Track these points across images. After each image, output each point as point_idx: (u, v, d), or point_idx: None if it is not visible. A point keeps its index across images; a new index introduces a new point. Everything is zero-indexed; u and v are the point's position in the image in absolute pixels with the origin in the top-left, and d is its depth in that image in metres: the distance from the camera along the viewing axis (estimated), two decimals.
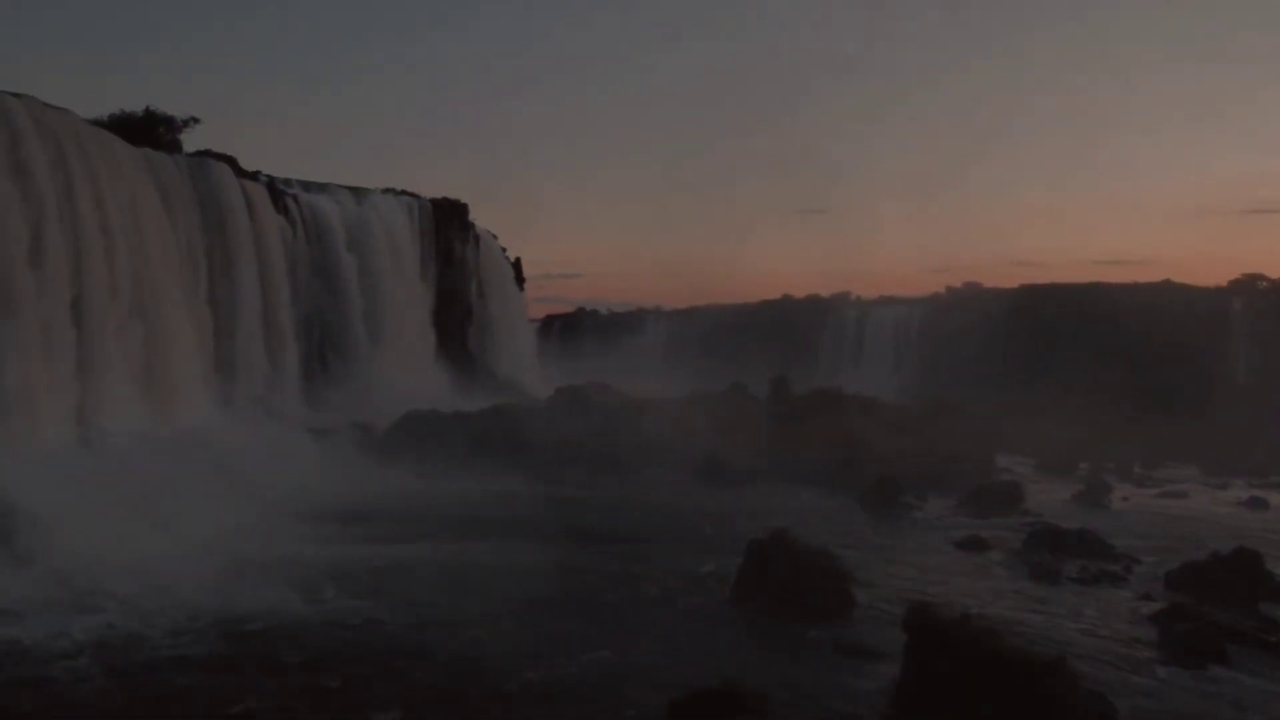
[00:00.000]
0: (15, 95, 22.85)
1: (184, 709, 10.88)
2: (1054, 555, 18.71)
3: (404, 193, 45.70)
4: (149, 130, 34.50)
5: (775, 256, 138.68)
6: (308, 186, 39.99)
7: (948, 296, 68.65)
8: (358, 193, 42.33)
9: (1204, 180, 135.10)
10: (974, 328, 59.06)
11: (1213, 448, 35.25)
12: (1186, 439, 36.87)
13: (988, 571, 18.20)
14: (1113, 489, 27.84)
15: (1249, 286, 58.37)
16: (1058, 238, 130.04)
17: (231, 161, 34.36)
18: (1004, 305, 61.44)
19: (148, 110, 36.01)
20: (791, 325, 68.62)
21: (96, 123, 29.61)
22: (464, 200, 48.89)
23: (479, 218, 50.58)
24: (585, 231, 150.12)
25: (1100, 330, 53.95)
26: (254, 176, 35.73)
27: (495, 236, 53.22)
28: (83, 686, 11.38)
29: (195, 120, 37.33)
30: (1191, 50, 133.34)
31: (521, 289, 56.53)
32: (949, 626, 10.58)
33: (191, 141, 36.58)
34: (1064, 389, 46.47)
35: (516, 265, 55.84)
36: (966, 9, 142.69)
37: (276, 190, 36.85)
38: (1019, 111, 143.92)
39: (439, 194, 47.50)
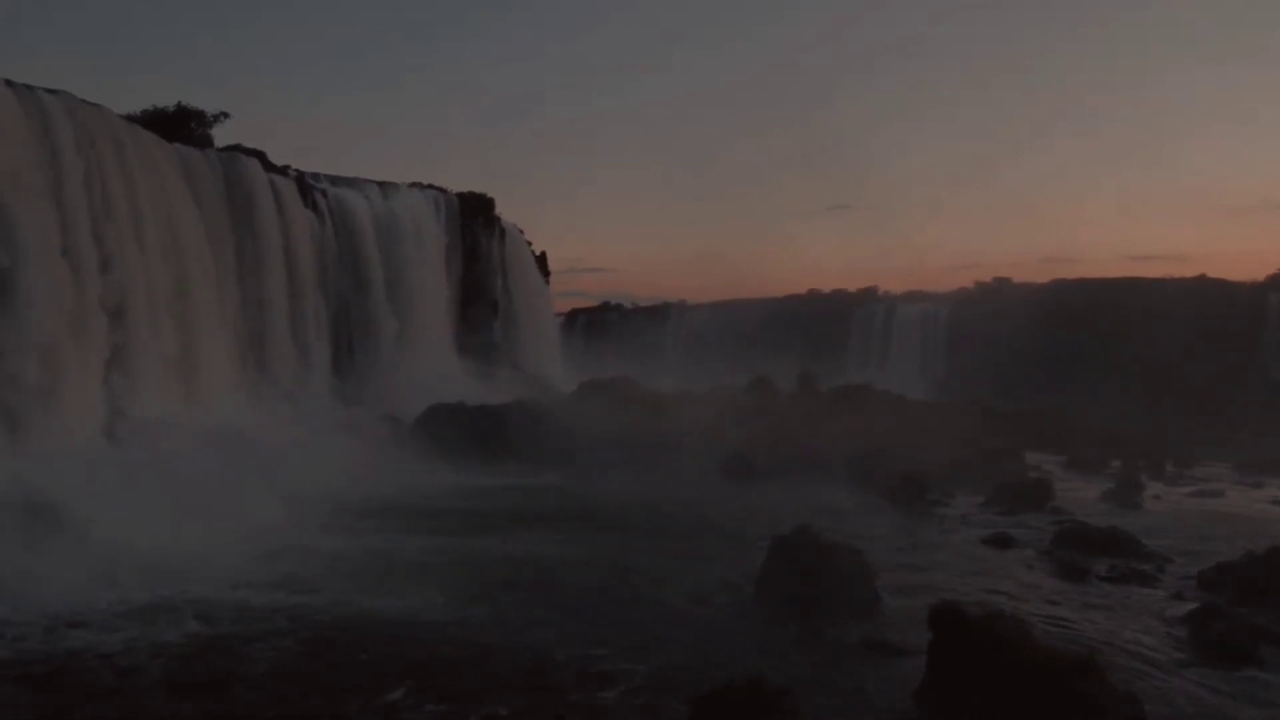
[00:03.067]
0: (51, 91, 23.26)
1: (248, 710, 10.72)
2: (1083, 554, 18.45)
3: (431, 187, 45.98)
4: (180, 125, 34.99)
5: (802, 252, 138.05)
6: (336, 181, 40.32)
7: (976, 292, 67.91)
8: (385, 187, 42.63)
9: (1240, 175, 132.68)
10: (1004, 324, 58.37)
11: (1248, 445, 34.60)
12: (1221, 436, 36.24)
13: (1015, 569, 17.99)
14: (1144, 487, 27.41)
15: None
16: (1090, 233, 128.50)
17: (261, 156, 34.75)
18: (1035, 301, 60.68)
19: (179, 105, 36.53)
20: (817, 321, 68.30)
21: (130, 118, 30.06)
22: (490, 195, 49.21)
23: (505, 212, 50.86)
24: (611, 226, 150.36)
25: (1133, 326, 53.15)
26: (283, 171, 36.10)
27: (521, 231, 53.44)
28: (138, 685, 11.23)
29: (225, 115, 37.82)
30: (1227, 46, 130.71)
31: (547, 283, 56.69)
32: (976, 624, 10.46)
33: (222, 136, 37.07)
34: (1096, 385, 45.89)
35: (542, 259, 56.00)
36: (997, 3, 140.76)
37: (305, 184, 37.21)
38: (1050, 106, 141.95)
39: (465, 188, 47.84)
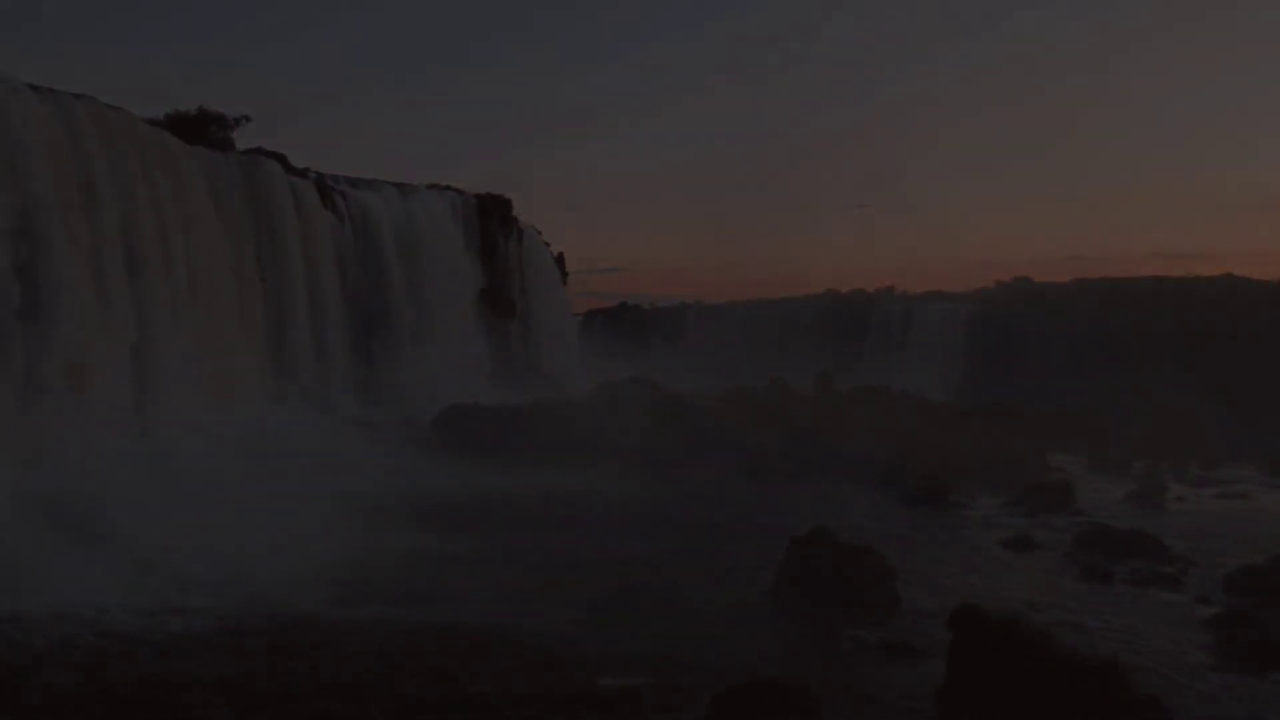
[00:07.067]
0: (76, 96, 23.55)
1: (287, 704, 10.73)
2: (1106, 556, 18.27)
3: (449, 188, 46.18)
4: (202, 128, 35.23)
5: (820, 252, 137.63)
6: (355, 183, 40.54)
7: (997, 291, 67.29)
8: (403, 189, 42.83)
9: (1265, 173, 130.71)
10: (1025, 323, 57.85)
11: (1274, 447, 34.08)
12: (1246, 438, 35.72)
13: (1037, 572, 17.85)
14: (1168, 489, 27.07)
15: None
16: (1114, 231, 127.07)
17: (282, 159, 35.03)
18: (1057, 300, 60.08)
19: (201, 109, 36.80)
20: (835, 321, 67.95)
21: (153, 122, 30.37)
22: (507, 196, 49.35)
23: (522, 213, 50.99)
24: (628, 226, 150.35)
25: (1157, 326, 52.46)
26: (303, 173, 36.36)
27: (539, 231, 53.56)
28: (182, 684, 11.02)
29: (247, 119, 38.07)
30: (1252, 41, 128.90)
31: (564, 283, 56.78)
32: (996, 626, 10.38)
33: (243, 140, 37.35)
34: (1118, 386, 45.36)
35: (559, 260, 56.09)
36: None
37: (325, 187, 37.44)
38: (1072, 103, 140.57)
39: (483, 190, 48.00)
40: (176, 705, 10.61)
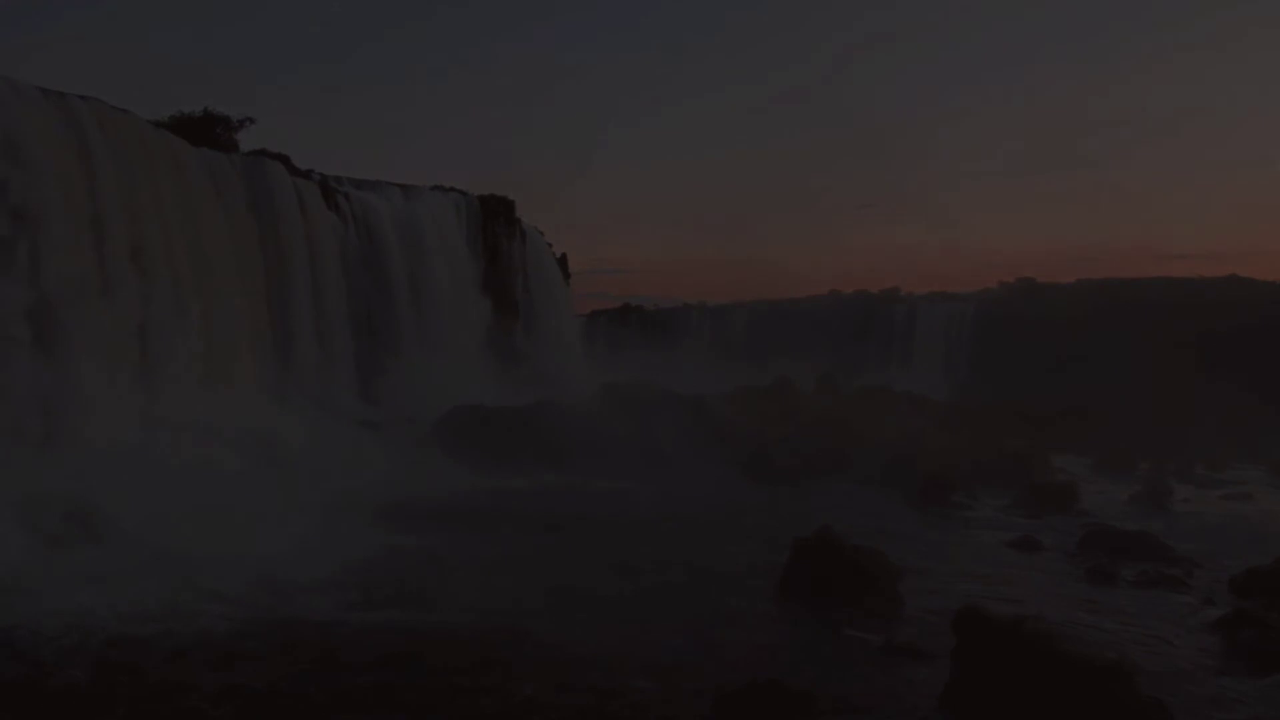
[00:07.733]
0: (82, 98, 23.67)
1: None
2: (1110, 557, 18.23)
3: (452, 189, 46.25)
4: (207, 130, 35.34)
5: (825, 252, 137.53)
6: (359, 184, 40.63)
7: (1001, 292, 67.25)
8: (407, 190, 42.90)
9: (1270, 173, 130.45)
10: (1029, 324, 57.81)
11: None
12: (1252, 439, 35.63)
13: (1040, 573, 17.82)
14: (1173, 490, 26.99)
15: None
16: (1118, 231, 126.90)
17: (285, 160, 35.11)
18: (1061, 301, 60.03)
19: (205, 111, 36.90)
20: (840, 321, 67.92)
21: (157, 124, 30.45)
22: (511, 197, 49.43)
23: (526, 214, 51.05)
24: (631, 227, 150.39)
25: (1161, 327, 52.37)
26: (307, 175, 36.44)
27: (542, 232, 53.60)
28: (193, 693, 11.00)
29: (251, 120, 38.18)
30: (1254, 41, 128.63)
31: (567, 284, 56.82)
32: (1001, 628, 10.37)
33: (247, 141, 37.44)
34: (1123, 387, 45.31)
35: (562, 260, 56.15)
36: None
37: (329, 188, 37.53)
38: (1077, 101, 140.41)
39: (486, 190, 48.05)
40: (183, 709, 10.65)
